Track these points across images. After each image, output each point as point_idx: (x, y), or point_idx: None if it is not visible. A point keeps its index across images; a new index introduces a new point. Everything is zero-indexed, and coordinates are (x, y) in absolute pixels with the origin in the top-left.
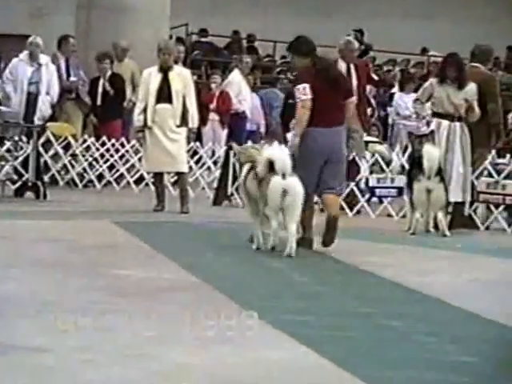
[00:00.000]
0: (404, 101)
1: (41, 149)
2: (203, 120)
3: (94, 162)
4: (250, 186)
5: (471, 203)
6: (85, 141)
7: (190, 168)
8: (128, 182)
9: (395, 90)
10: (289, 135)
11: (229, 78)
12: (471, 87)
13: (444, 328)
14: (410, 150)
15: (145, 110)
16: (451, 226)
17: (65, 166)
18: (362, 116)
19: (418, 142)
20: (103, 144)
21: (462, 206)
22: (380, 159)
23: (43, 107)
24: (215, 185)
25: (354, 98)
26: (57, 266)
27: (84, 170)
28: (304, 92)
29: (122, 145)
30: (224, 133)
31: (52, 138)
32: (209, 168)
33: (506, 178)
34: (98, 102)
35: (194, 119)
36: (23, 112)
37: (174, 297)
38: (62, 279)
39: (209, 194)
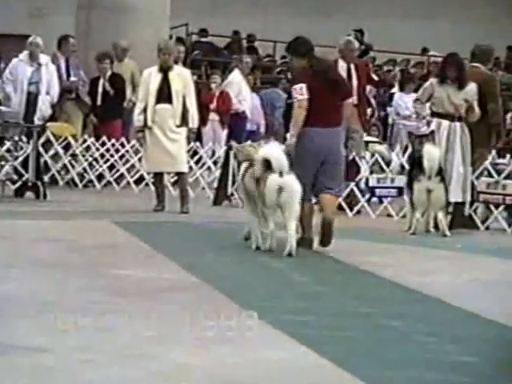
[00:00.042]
0: (404, 101)
1: (41, 149)
2: (203, 120)
3: (94, 162)
4: (248, 184)
5: (471, 203)
6: (85, 141)
7: (190, 168)
8: (128, 182)
9: (395, 90)
10: (288, 135)
11: (229, 78)
12: (471, 87)
13: (444, 328)
14: (410, 150)
15: (145, 110)
16: (451, 226)
17: (65, 165)
18: (361, 116)
19: (418, 142)
20: (103, 144)
21: (462, 206)
22: (380, 159)
23: (43, 107)
24: (215, 185)
25: (352, 99)
26: (57, 266)
27: (84, 169)
28: (301, 92)
29: (122, 145)
30: (224, 133)
31: (52, 138)
32: (209, 168)
33: (506, 178)
34: (98, 101)
35: (194, 119)
36: (23, 112)
37: (174, 297)
38: (61, 279)
39: (209, 194)
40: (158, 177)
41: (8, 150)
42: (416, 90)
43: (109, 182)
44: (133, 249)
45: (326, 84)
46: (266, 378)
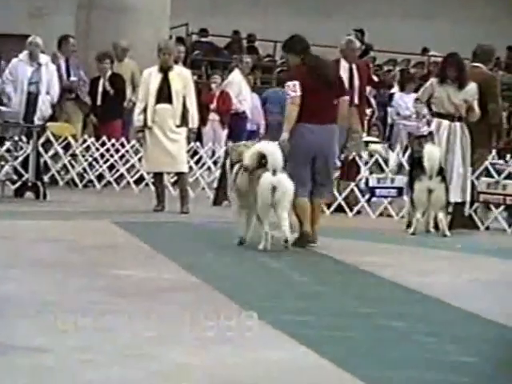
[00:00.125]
0: (404, 101)
1: (41, 149)
2: (203, 120)
3: (93, 162)
4: (240, 186)
5: (471, 203)
6: (85, 141)
7: (190, 168)
8: (128, 182)
9: (395, 90)
10: None
11: (229, 78)
12: (471, 87)
13: (444, 328)
14: (410, 150)
15: (145, 110)
16: (451, 226)
17: (65, 166)
18: (362, 116)
19: (416, 143)
20: (103, 144)
21: (462, 207)
22: (380, 159)
23: (43, 107)
24: (215, 185)
25: (353, 99)
26: (57, 266)
27: (84, 170)
28: (294, 89)
29: (122, 145)
30: (224, 133)
31: (52, 138)
32: (209, 168)
33: (506, 178)
34: (98, 101)
35: (194, 119)
36: (23, 112)
37: (174, 297)
38: (62, 279)
39: (209, 194)
40: (158, 177)
41: (8, 150)
42: (416, 90)
43: (109, 182)
44: (133, 249)
45: (320, 81)
46: (266, 378)
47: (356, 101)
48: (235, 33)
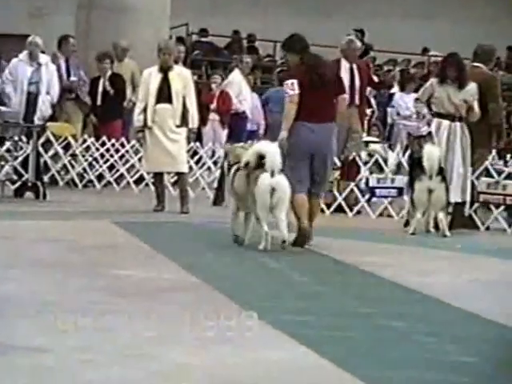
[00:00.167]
0: (404, 101)
1: (41, 149)
2: (203, 120)
3: (93, 162)
4: (238, 188)
5: (471, 203)
6: (85, 141)
7: (190, 168)
8: (128, 182)
9: (395, 90)
10: None
11: (229, 77)
12: (472, 87)
13: (444, 328)
14: (410, 150)
15: (145, 110)
16: (451, 227)
17: (65, 166)
18: (362, 116)
19: (416, 144)
20: (103, 144)
21: (462, 207)
22: (379, 158)
23: (43, 107)
24: (215, 185)
25: (353, 99)
26: (57, 265)
27: (84, 170)
28: (292, 87)
29: (122, 145)
30: (224, 133)
31: (52, 138)
32: (209, 168)
33: (506, 178)
34: (98, 102)
35: (194, 119)
36: (23, 112)
37: (174, 297)
38: (62, 279)
39: (209, 194)
40: (158, 177)
41: (8, 150)
42: (416, 90)
43: (109, 182)
44: (133, 249)
45: (319, 80)
46: (266, 378)
47: (357, 101)
48: (235, 33)
